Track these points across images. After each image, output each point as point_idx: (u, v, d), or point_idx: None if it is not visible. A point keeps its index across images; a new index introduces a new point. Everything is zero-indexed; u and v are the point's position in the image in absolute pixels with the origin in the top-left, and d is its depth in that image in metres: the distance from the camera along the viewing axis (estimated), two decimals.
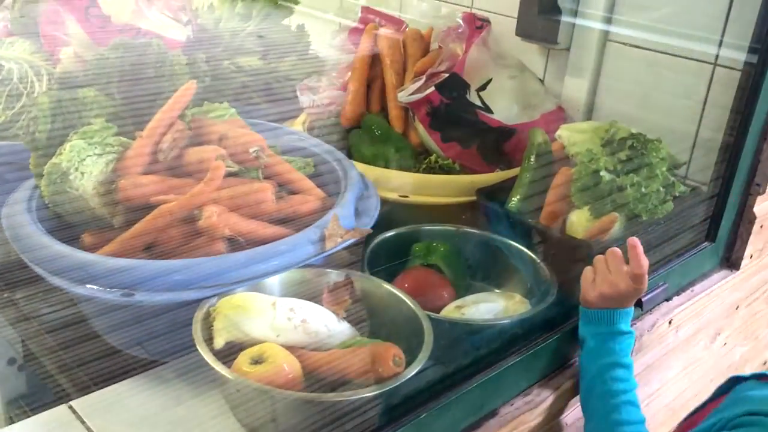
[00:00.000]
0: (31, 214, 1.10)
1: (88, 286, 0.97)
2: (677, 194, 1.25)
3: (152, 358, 1.06)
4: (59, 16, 1.36)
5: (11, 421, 2.10)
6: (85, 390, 1.04)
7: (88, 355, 1.14)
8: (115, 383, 1.02)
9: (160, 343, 1.06)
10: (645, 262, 1.02)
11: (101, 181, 1.10)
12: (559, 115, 1.51)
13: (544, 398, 1.05)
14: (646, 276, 1.03)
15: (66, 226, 1.14)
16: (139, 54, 1.27)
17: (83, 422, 0.92)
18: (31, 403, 2.12)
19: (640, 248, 1.02)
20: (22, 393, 2.11)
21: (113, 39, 1.32)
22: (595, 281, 1.06)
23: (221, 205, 1.06)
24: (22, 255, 1.05)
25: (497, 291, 1.21)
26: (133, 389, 0.98)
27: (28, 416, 2.04)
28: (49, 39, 1.38)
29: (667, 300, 1.29)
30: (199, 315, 0.94)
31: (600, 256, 1.07)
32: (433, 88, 1.36)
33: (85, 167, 1.08)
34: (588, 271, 1.08)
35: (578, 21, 1.50)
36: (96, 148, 1.10)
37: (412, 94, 1.38)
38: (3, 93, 1.34)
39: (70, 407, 0.93)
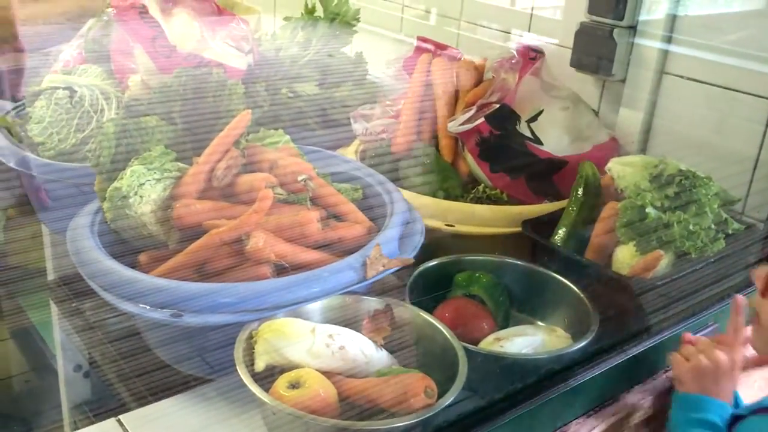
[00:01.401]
0: (94, 234, 1.17)
1: (141, 305, 1.02)
2: (730, 231, 1.22)
3: (200, 375, 1.11)
4: (128, 45, 1.44)
5: (75, 425, 2.19)
6: (140, 401, 1.10)
7: (141, 369, 1.20)
8: (162, 397, 1.07)
9: (208, 360, 1.11)
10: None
11: (158, 204, 1.16)
12: (613, 147, 1.50)
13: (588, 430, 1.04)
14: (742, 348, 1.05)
15: (125, 245, 1.20)
16: (199, 82, 1.33)
17: None
18: (94, 409, 2.22)
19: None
20: (86, 399, 2.21)
21: (177, 68, 1.39)
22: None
23: (268, 231, 1.10)
24: (81, 270, 1.11)
25: (539, 323, 1.20)
26: (179, 406, 1.02)
27: (92, 422, 2.12)
28: (119, 66, 1.47)
29: None
30: (241, 337, 0.98)
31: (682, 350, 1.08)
32: (482, 119, 1.38)
33: (143, 191, 1.14)
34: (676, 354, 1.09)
35: (634, 53, 1.49)
36: (155, 173, 1.16)
37: (462, 124, 1.40)
38: (75, 116, 1.43)
39: (119, 421, 0.98)
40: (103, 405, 2.05)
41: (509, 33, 1.76)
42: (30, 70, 1.88)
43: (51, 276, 1.80)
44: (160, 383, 1.12)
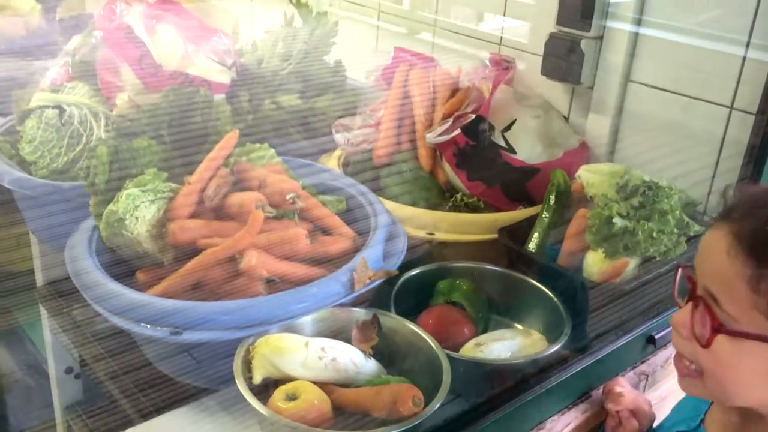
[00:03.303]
0: (92, 253, 1.22)
1: (142, 324, 1.08)
2: (692, 234, 1.31)
3: (197, 384, 1.18)
4: (115, 63, 1.49)
5: (68, 425, 2.25)
6: (142, 413, 1.16)
7: (139, 381, 1.26)
8: (164, 410, 1.14)
9: (206, 373, 1.18)
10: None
11: (153, 224, 1.21)
12: (582, 152, 1.58)
13: None
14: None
15: (122, 263, 1.26)
16: (187, 101, 1.38)
17: None
18: (86, 409, 2.27)
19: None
20: (78, 400, 2.26)
21: (163, 86, 1.44)
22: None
23: (260, 248, 1.17)
24: (81, 289, 1.17)
25: (517, 326, 1.28)
26: (181, 419, 1.09)
27: (84, 422, 2.19)
28: (106, 84, 1.51)
29: None
30: (239, 352, 1.05)
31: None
32: (459, 131, 1.44)
33: (138, 212, 1.20)
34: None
35: (601, 62, 1.56)
36: (149, 194, 1.22)
37: (440, 135, 1.47)
38: (65, 135, 1.47)
39: None
40: (95, 405, 2.11)
41: (482, 41, 1.82)
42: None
43: (40, 281, 1.85)
44: (160, 396, 1.19)
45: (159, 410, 1.15)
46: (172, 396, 1.18)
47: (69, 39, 2.20)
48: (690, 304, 0.83)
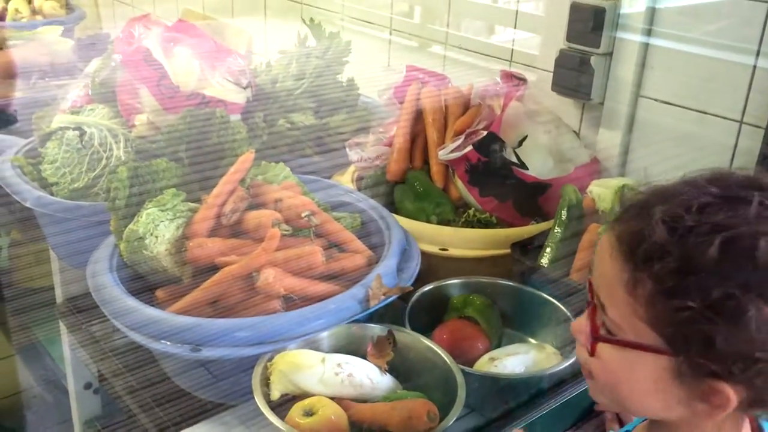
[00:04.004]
0: (112, 271, 1.25)
1: (162, 341, 1.11)
2: None
3: (213, 400, 1.20)
4: (134, 86, 1.52)
5: None
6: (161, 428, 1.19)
7: (158, 396, 1.28)
8: (182, 424, 1.16)
9: (223, 388, 1.20)
10: None
11: (172, 243, 1.24)
12: (594, 168, 1.60)
13: None
14: None
15: (142, 281, 1.29)
16: (204, 122, 1.42)
17: None
18: (105, 423, 2.30)
19: None
20: (97, 415, 2.29)
21: (181, 107, 1.47)
22: None
23: (277, 266, 1.19)
24: (104, 309, 1.20)
25: (531, 340, 1.30)
26: None
27: None
28: (125, 106, 1.55)
29: None
30: (258, 369, 1.07)
31: None
32: (471, 147, 1.47)
33: (158, 232, 1.23)
34: None
35: (611, 78, 1.58)
36: (168, 214, 1.25)
37: (452, 152, 1.49)
38: (86, 156, 1.51)
39: None
40: (114, 420, 2.13)
41: (493, 57, 1.84)
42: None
43: (59, 298, 1.88)
44: (178, 411, 1.21)
45: (177, 425, 1.17)
46: (189, 411, 1.20)
47: (86, 57, 2.25)
48: (588, 310, 0.79)
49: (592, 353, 0.77)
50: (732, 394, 0.69)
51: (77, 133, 1.52)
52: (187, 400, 1.24)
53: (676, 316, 0.68)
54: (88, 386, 2.19)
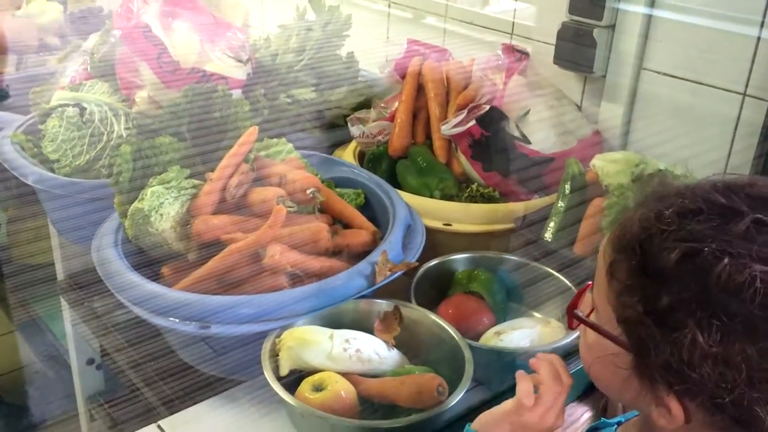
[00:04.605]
0: (119, 250, 1.25)
1: (170, 319, 1.11)
2: None
3: (222, 376, 1.21)
4: (134, 62, 1.51)
5: (90, 414, 2.29)
6: (169, 405, 1.20)
7: (165, 372, 1.29)
8: (184, 398, 1.17)
9: (227, 363, 1.21)
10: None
11: (177, 220, 1.24)
12: (596, 141, 1.60)
13: (576, 418, 1.15)
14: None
15: (147, 258, 1.29)
16: (206, 99, 1.41)
17: None
18: (108, 398, 2.32)
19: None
20: (100, 390, 2.30)
21: (181, 83, 1.46)
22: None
23: (282, 243, 1.19)
24: (112, 288, 1.20)
25: (535, 314, 1.31)
26: (211, 408, 1.12)
27: (107, 411, 2.23)
28: (125, 83, 1.53)
29: None
30: (266, 345, 1.08)
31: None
32: (473, 122, 1.46)
33: (163, 209, 1.23)
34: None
35: (613, 50, 1.57)
36: (172, 191, 1.24)
37: (454, 127, 1.49)
38: (86, 133, 1.50)
39: (159, 427, 1.08)
40: (117, 395, 2.15)
41: (494, 30, 1.83)
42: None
43: (61, 275, 1.88)
44: (188, 387, 1.22)
45: (179, 398, 1.18)
46: (192, 385, 1.21)
47: (79, 31, 2.23)
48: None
49: (569, 324, 0.79)
50: (676, 408, 0.66)
51: (77, 109, 1.51)
52: (190, 374, 1.25)
53: (627, 314, 0.68)
54: (90, 362, 2.20)
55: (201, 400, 1.13)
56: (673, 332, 0.63)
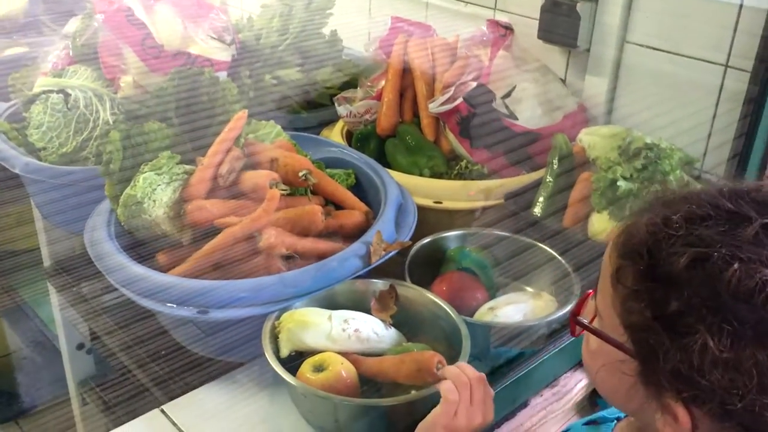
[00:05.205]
0: (112, 237, 1.25)
1: (168, 304, 1.12)
2: None
3: (222, 359, 1.22)
4: (117, 46, 1.49)
5: (83, 398, 2.30)
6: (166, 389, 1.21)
7: (160, 355, 1.30)
8: (176, 378, 1.18)
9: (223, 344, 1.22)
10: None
11: (170, 206, 1.24)
12: (581, 115, 1.61)
13: (570, 388, 1.18)
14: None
15: (141, 245, 1.29)
16: (193, 83, 1.40)
17: (174, 423, 1.07)
18: (99, 382, 2.32)
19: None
20: (91, 374, 2.31)
21: (167, 67, 1.45)
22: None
23: (277, 226, 1.20)
24: (105, 274, 1.20)
25: (527, 289, 1.33)
26: (213, 391, 1.13)
27: (99, 395, 2.23)
28: (109, 68, 1.52)
29: None
30: (266, 328, 1.09)
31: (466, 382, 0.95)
32: (461, 99, 1.47)
33: (156, 195, 1.23)
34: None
35: (597, 24, 1.58)
36: (164, 177, 1.24)
37: (442, 104, 1.49)
38: (72, 120, 1.48)
39: (162, 411, 1.09)
40: (108, 379, 2.16)
41: (478, 5, 1.83)
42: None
43: (48, 260, 1.88)
44: (179, 368, 1.23)
45: (172, 380, 1.19)
46: (183, 366, 1.22)
47: (52, 12, 2.18)
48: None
49: (572, 333, 0.78)
50: (683, 415, 0.65)
51: (61, 96, 1.50)
52: (181, 355, 1.26)
53: (634, 320, 0.67)
54: (80, 347, 2.20)
55: (195, 382, 1.14)
56: (683, 338, 0.63)
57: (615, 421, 0.88)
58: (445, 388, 0.93)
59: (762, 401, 0.61)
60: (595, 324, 0.75)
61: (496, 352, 1.14)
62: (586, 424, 0.94)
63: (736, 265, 0.61)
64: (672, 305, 0.64)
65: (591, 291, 0.78)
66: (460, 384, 0.94)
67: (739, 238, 0.63)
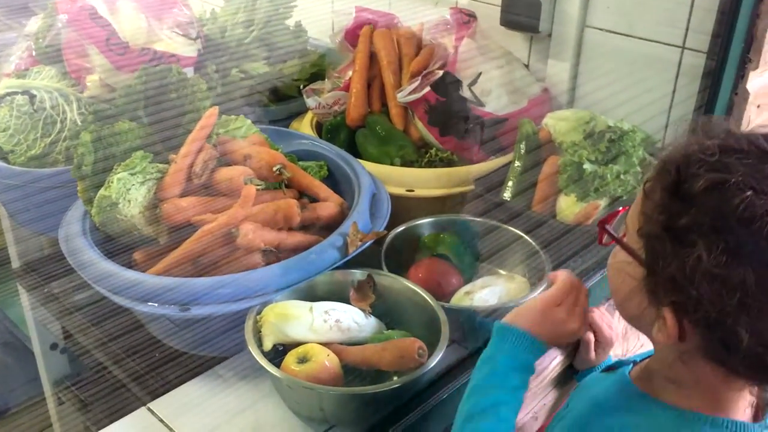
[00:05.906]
0: (88, 239, 1.25)
1: (149, 303, 1.13)
2: None
3: (203, 354, 1.23)
4: (82, 45, 1.48)
5: (59, 398, 2.29)
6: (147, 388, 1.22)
7: (137, 353, 1.30)
8: (150, 372, 1.19)
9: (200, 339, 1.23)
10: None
11: (145, 205, 1.25)
12: (545, 99, 1.65)
13: (545, 366, 1.21)
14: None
15: (117, 245, 1.29)
16: (161, 80, 1.40)
17: (161, 420, 1.09)
18: (74, 381, 2.31)
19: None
20: (66, 374, 2.30)
21: (132, 65, 1.45)
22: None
23: (254, 221, 1.21)
24: (86, 278, 1.20)
25: (501, 272, 1.36)
26: (198, 387, 1.14)
27: (75, 394, 2.23)
28: (74, 67, 1.51)
29: None
30: (248, 322, 1.11)
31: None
32: (428, 88, 1.49)
33: (130, 195, 1.23)
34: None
35: (557, 9, 1.62)
36: (138, 177, 1.25)
37: (410, 94, 1.52)
38: (39, 121, 1.47)
39: (149, 409, 1.10)
40: (83, 377, 2.15)
41: None
42: None
43: (16, 263, 1.86)
44: (155, 363, 1.24)
45: (147, 374, 1.20)
46: (159, 363, 1.23)
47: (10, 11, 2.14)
48: None
49: (599, 240, 0.85)
50: (671, 321, 0.73)
51: (27, 97, 1.48)
52: (157, 351, 1.26)
53: (649, 228, 0.75)
54: (54, 347, 2.19)
55: (174, 379, 1.15)
56: (683, 248, 0.70)
57: (631, 365, 0.95)
58: (563, 274, 0.99)
59: (738, 317, 0.68)
60: (625, 240, 0.81)
61: (474, 336, 1.17)
62: (605, 370, 1.02)
63: (748, 193, 0.68)
64: (683, 220, 0.71)
65: (624, 207, 0.87)
66: (575, 283, 0.99)
67: (761, 171, 0.70)
